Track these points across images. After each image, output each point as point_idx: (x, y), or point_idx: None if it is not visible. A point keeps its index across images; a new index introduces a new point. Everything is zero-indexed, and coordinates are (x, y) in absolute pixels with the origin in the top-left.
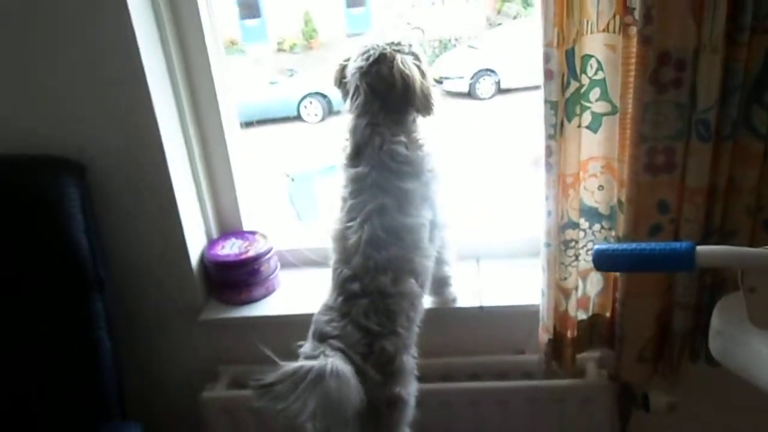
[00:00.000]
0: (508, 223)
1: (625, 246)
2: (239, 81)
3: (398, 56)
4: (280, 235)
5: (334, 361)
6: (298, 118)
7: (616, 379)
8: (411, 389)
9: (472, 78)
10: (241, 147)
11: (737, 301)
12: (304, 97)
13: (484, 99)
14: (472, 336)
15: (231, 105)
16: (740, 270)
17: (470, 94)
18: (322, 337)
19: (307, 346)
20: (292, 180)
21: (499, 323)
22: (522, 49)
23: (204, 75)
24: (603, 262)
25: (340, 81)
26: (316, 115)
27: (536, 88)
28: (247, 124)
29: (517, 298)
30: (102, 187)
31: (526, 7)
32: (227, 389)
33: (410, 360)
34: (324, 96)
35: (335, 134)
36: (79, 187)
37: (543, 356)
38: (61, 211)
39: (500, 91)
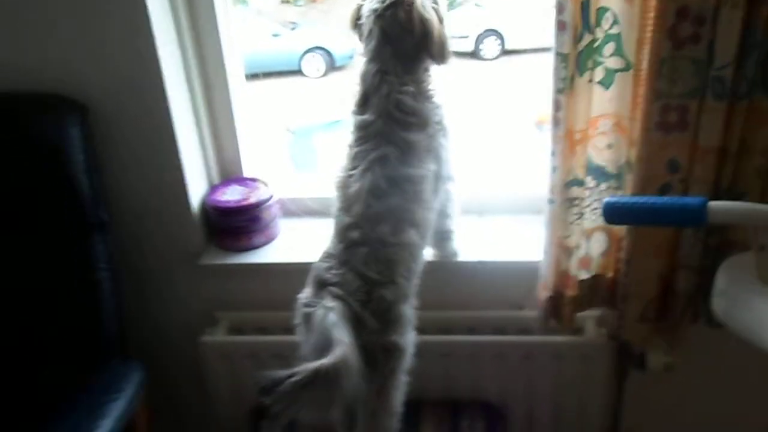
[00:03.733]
0: (511, 179)
1: (636, 199)
2: (242, 32)
3: (417, 0)
4: (282, 183)
5: (344, 356)
6: (299, 72)
7: (616, 337)
8: (408, 338)
9: (477, 38)
10: (244, 94)
11: (743, 261)
12: (307, 51)
13: (488, 59)
14: (471, 290)
15: (236, 53)
16: (752, 227)
17: (474, 54)
18: (321, 284)
19: (306, 292)
20: (293, 133)
21: (498, 279)
22: (527, 10)
23: (209, 22)
24: (613, 214)
25: (356, 23)
26: (317, 69)
27: (541, 50)
28: (252, 77)
29: (518, 255)
30: (104, 128)
31: None
32: (226, 335)
33: (409, 310)
34: (326, 51)
35: (336, 89)
36: (81, 128)
37: (542, 313)
38: (62, 151)
39: (505, 52)
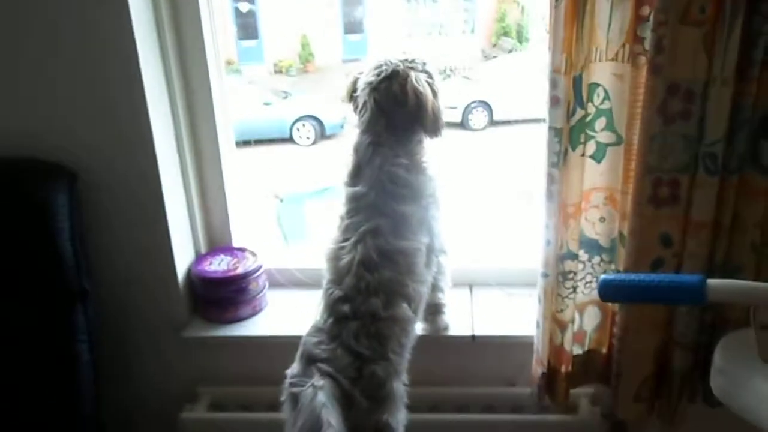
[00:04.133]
0: (502, 252)
1: (633, 276)
2: (234, 100)
3: (412, 73)
4: (270, 253)
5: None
6: (290, 140)
7: (610, 417)
8: (400, 417)
9: (465, 109)
10: (235, 165)
11: (741, 338)
12: (297, 120)
13: (476, 130)
14: (462, 366)
15: (227, 122)
16: (752, 306)
17: (463, 125)
18: (310, 360)
19: (294, 368)
20: (281, 201)
21: (491, 354)
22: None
23: (202, 90)
24: (609, 292)
25: (351, 95)
26: (308, 138)
27: (528, 121)
28: (240, 144)
29: (511, 329)
30: (92, 195)
31: (521, 41)
32: (207, 411)
33: (400, 387)
34: (317, 119)
35: (326, 157)
36: (69, 195)
37: (536, 389)
38: (48, 218)
39: (493, 122)
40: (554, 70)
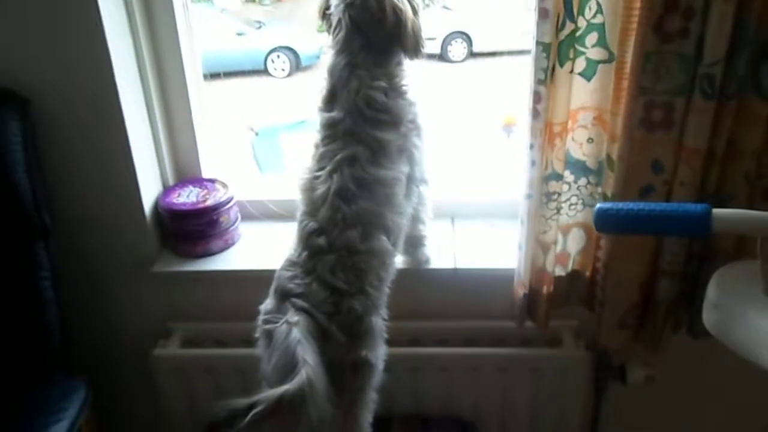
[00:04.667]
0: (484, 183)
1: (631, 206)
2: (205, 30)
3: None
4: (243, 185)
5: (310, 379)
6: (264, 71)
7: (594, 346)
8: (379, 352)
9: (444, 40)
10: (204, 93)
11: (738, 272)
12: (272, 51)
13: (455, 62)
14: (443, 299)
15: (194, 49)
16: (759, 237)
17: (442, 57)
18: (284, 295)
19: (268, 304)
20: (256, 134)
21: (473, 287)
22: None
23: (166, 16)
24: (606, 222)
25: (324, 13)
26: (283, 69)
27: (508, 53)
28: (213, 76)
29: (493, 262)
30: (48, 124)
31: None
32: (180, 347)
33: (379, 322)
34: (292, 50)
35: (302, 89)
36: (22, 123)
37: (517, 312)
38: (0, 148)
39: (472, 54)
40: None
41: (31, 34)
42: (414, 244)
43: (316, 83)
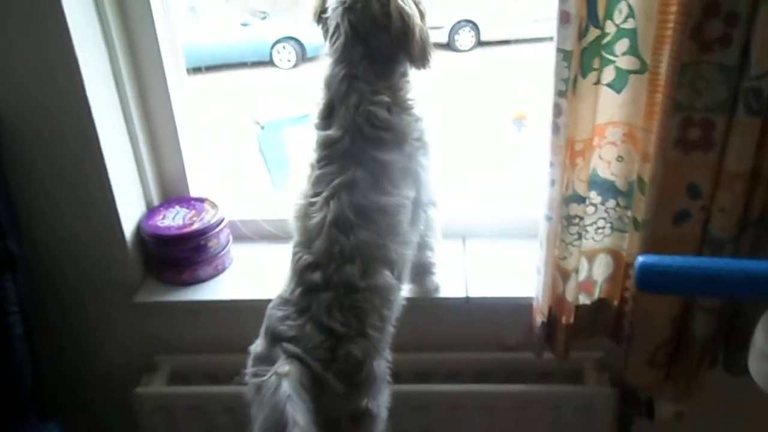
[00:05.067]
0: (497, 196)
1: (681, 261)
2: (210, 21)
3: None
4: (234, 203)
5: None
6: (270, 63)
7: (619, 383)
8: (381, 400)
9: (451, 28)
10: (190, 101)
11: None
12: (277, 42)
13: (463, 51)
14: (454, 330)
15: (176, 49)
16: None
17: (449, 46)
18: (275, 337)
19: (258, 346)
20: (262, 128)
21: (486, 317)
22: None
23: (142, 11)
24: (650, 280)
25: (320, 16)
26: (288, 60)
27: (518, 41)
28: (217, 68)
29: (509, 289)
30: (13, 143)
31: None
32: (166, 384)
33: (382, 365)
34: (297, 41)
35: (308, 81)
36: None
37: (535, 341)
38: None
39: (480, 43)
40: None
41: None
42: (421, 272)
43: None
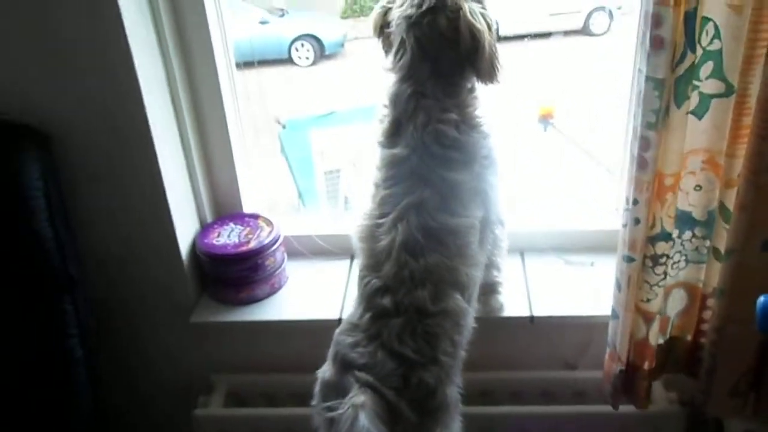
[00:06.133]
0: (554, 210)
1: None
2: (229, 19)
3: (465, 4)
4: (286, 218)
5: None
6: (289, 60)
7: (687, 403)
8: (454, 428)
9: None
10: (242, 117)
11: None
12: (296, 39)
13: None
14: (517, 348)
15: (231, 69)
16: None
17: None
18: (345, 365)
19: (326, 372)
20: (284, 127)
21: (550, 335)
22: None
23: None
24: None
25: (381, 30)
26: (307, 58)
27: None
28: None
29: (574, 308)
30: (71, 162)
31: None
32: (223, 403)
33: (454, 392)
34: (316, 38)
35: (326, 79)
36: (43, 163)
37: (610, 389)
38: (19, 193)
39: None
40: (659, 2)
41: (50, 63)
42: (487, 291)
43: (340, 72)
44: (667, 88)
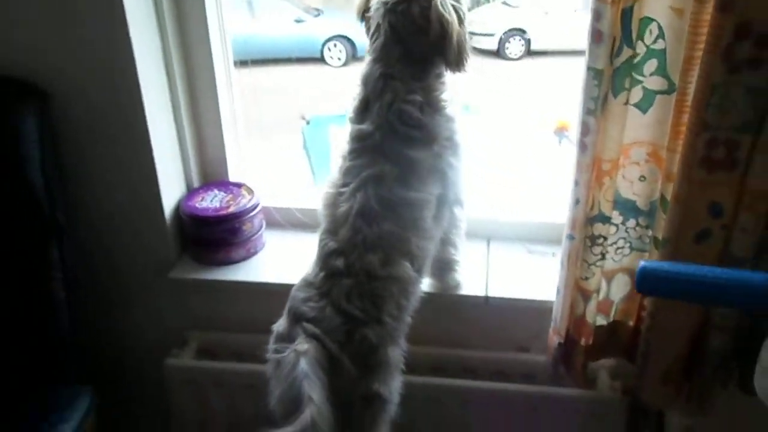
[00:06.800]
0: (527, 203)
1: (681, 269)
2: (265, 16)
3: None
4: (270, 191)
5: (313, 421)
6: (321, 60)
7: (632, 392)
8: (393, 386)
9: (502, 37)
10: (236, 91)
11: None
12: (329, 39)
13: (512, 59)
14: (471, 327)
15: (226, 40)
16: None
17: (498, 53)
18: (297, 317)
19: (281, 325)
20: (308, 123)
21: (504, 317)
22: (555, 11)
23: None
24: (649, 284)
25: (363, 14)
26: (339, 58)
27: (567, 53)
28: (268, 62)
29: (529, 292)
30: (65, 119)
31: None
32: (195, 357)
33: (396, 353)
34: (348, 39)
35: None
36: (39, 117)
37: (551, 361)
38: (16, 144)
39: (530, 52)
40: None
41: (51, 23)
42: (444, 268)
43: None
44: (606, 78)
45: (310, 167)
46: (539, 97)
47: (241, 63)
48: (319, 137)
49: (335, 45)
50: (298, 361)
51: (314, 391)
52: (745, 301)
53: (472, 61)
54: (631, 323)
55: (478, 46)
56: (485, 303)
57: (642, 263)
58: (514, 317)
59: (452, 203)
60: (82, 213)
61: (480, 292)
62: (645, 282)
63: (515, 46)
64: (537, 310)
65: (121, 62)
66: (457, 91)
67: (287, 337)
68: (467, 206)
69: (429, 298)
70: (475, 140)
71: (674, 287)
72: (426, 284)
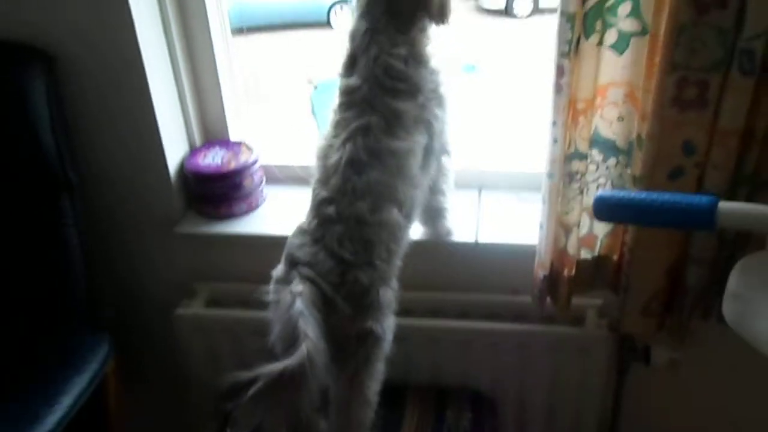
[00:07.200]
0: (517, 153)
1: (632, 195)
2: None
3: None
4: (271, 149)
5: (309, 355)
6: (327, 24)
7: (617, 329)
8: (386, 324)
9: None
10: (234, 50)
11: (762, 262)
12: (334, 3)
13: (520, 17)
14: (464, 272)
15: (223, 6)
16: None
17: (507, 11)
18: (292, 262)
19: (279, 270)
20: (315, 87)
21: (494, 261)
22: None
23: None
24: (604, 211)
25: None
26: (345, 23)
27: None
28: (274, 27)
29: (517, 237)
30: (72, 81)
31: None
32: (203, 307)
33: (388, 293)
34: None
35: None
36: (47, 80)
37: (536, 293)
38: (24, 105)
39: (538, 10)
40: None
41: None
42: (434, 215)
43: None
44: (578, 21)
45: (318, 132)
46: (548, 55)
47: (248, 29)
48: (326, 102)
49: (341, 8)
50: (294, 301)
51: (309, 327)
52: (689, 222)
53: (455, 14)
54: (615, 258)
55: (485, 6)
56: (475, 248)
57: (598, 193)
58: (503, 261)
59: (439, 153)
60: (91, 172)
61: (470, 238)
62: (601, 209)
63: (523, 4)
64: (527, 254)
65: (121, 25)
66: (443, 44)
67: (285, 281)
68: (455, 156)
69: (422, 245)
70: (475, 97)
71: (625, 212)
72: (419, 232)
